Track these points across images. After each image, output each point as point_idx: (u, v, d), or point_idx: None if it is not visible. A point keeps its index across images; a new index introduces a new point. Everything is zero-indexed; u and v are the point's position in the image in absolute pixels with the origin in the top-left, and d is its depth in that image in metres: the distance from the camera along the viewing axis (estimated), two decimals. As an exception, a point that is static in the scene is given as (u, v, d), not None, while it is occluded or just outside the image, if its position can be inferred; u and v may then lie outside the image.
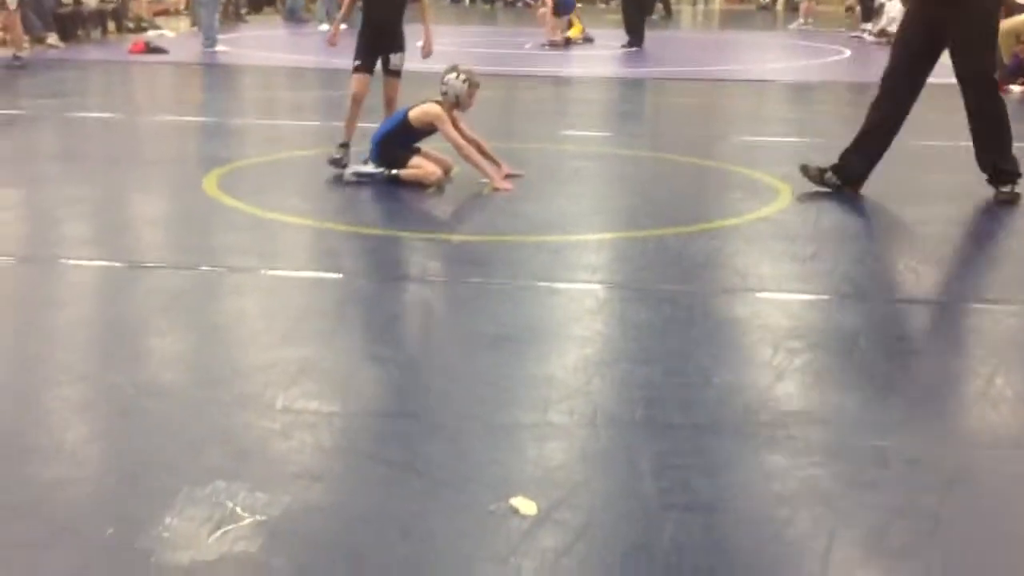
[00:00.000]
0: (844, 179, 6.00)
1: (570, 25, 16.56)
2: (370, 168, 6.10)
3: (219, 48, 14.12)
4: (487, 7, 28.73)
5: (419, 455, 2.81)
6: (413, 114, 6.10)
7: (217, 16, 15.03)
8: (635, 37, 15.81)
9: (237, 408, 3.10)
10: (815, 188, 6.10)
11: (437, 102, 6.11)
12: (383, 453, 2.83)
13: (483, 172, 6.04)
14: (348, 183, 6.08)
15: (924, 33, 5.86)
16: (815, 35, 19.01)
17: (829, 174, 6.02)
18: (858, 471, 2.78)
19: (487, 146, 6.30)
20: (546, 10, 16.34)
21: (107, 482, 2.69)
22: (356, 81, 6.55)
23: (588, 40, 16.50)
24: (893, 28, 17.02)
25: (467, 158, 6.06)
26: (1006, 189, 5.85)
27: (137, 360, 3.50)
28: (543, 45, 15.82)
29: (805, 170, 6.10)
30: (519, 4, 27.01)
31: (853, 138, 6.04)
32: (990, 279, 4.81)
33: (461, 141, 6.06)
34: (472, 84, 6.14)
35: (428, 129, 6.12)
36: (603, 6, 26.10)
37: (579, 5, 17.17)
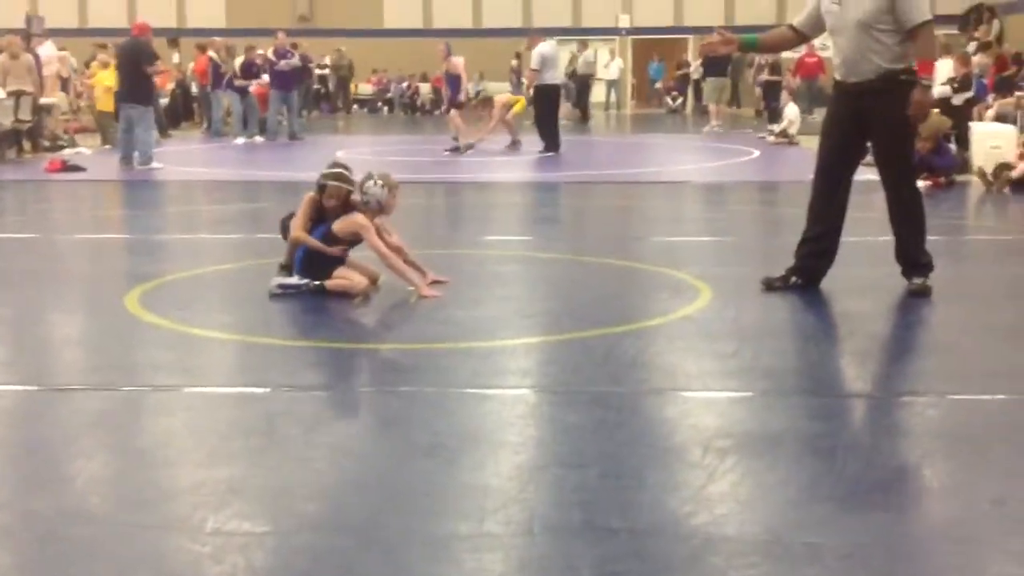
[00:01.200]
0: (808, 280, 6.13)
1: (508, 107, 16.87)
2: (295, 280, 6.08)
3: (154, 165, 14.04)
4: (404, 115, 29.15)
5: (356, 571, 2.77)
6: (337, 225, 6.12)
7: (154, 132, 15.03)
8: (550, 142, 16.13)
9: (165, 532, 3.02)
10: (733, 286, 6.23)
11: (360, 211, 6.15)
12: (319, 571, 2.78)
13: (408, 281, 6.07)
14: (274, 295, 6.05)
15: (847, 126, 6.06)
16: (724, 137, 19.59)
17: (793, 278, 6.13)
18: (794, 569, 2.79)
19: (410, 253, 6.34)
20: (455, 112, 16.64)
21: (32, 616, 2.60)
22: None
23: (516, 144, 16.74)
24: (792, 129, 17.72)
25: (391, 267, 6.09)
26: (919, 280, 6.03)
27: (59, 485, 3.41)
28: (454, 149, 16.04)
29: (768, 284, 6.17)
30: (438, 112, 27.45)
31: (805, 238, 6.17)
32: (910, 371, 4.93)
33: (385, 250, 6.09)
34: (391, 187, 6.22)
35: (353, 239, 6.15)
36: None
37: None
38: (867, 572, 2.77)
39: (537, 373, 4.75)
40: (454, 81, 17.06)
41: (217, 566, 2.80)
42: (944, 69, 15.37)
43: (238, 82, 19.44)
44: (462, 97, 17.03)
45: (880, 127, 5.97)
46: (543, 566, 2.82)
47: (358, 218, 6.11)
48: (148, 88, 14.32)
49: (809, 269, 6.16)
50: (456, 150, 16.14)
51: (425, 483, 3.37)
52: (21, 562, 2.89)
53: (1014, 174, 11.30)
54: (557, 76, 16.95)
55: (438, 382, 4.50)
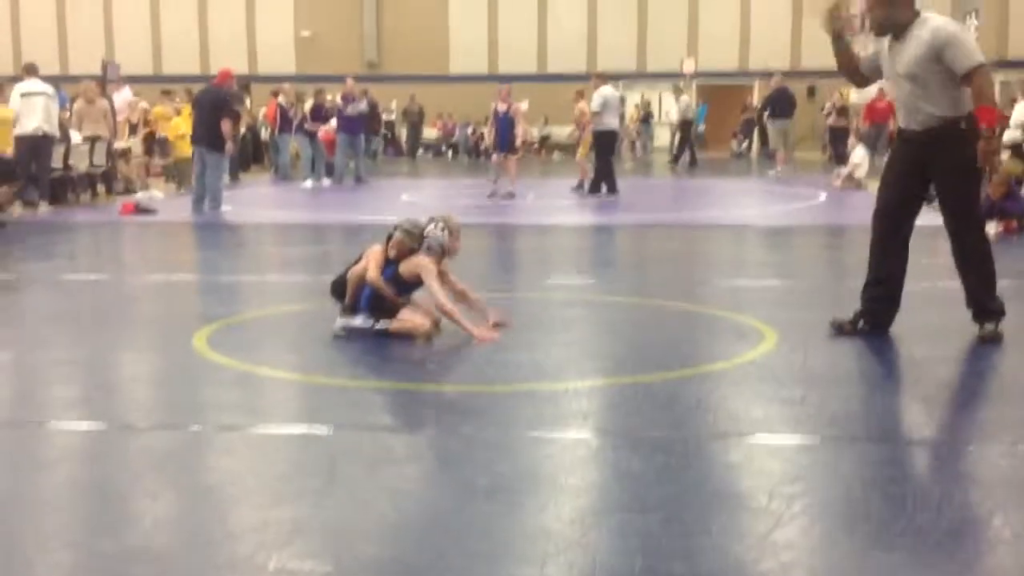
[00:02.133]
0: (874, 324, 6.06)
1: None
2: (359, 322, 6.14)
3: (224, 208, 14.32)
4: (468, 159, 29.41)
5: (416, 614, 2.76)
6: (403, 267, 6.18)
7: (225, 177, 15.31)
8: (608, 183, 16.16)
9: (230, 571, 3.05)
10: (799, 331, 6.17)
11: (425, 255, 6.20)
12: (379, 613, 2.78)
13: (463, 328, 6.06)
14: (337, 336, 6.11)
15: (907, 172, 6.00)
16: (791, 180, 19.46)
17: (861, 322, 6.08)
18: (862, 618, 2.74)
19: (473, 295, 6.37)
20: (512, 158, 16.41)
21: (98, 652, 2.62)
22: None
23: (510, 195, 16.01)
24: (859, 173, 17.56)
25: (448, 315, 6.10)
26: (990, 326, 5.92)
27: (126, 524, 3.46)
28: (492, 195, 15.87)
29: (837, 326, 6.12)
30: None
31: (868, 283, 6.12)
32: (980, 419, 4.82)
33: (443, 300, 6.09)
34: (452, 231, 6.26)
35: (416, 282, 6.20)
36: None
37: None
38: (937, 624, 2.70)
39: (599, 417, 4.73)
40: (509, 124, 16.42)
41: (279, 606, 2.82)
42: (1019, 111, 15.18)
43: (307, 126, 19.80)
44: (519, 143, 16.96)
45: (941, 176, 5.91)
46: (604, 612, 2.79)
47: (422, 260, 6.16)
48: (224, 136, 14.62)
49: (875, 313, 6.09)
50: (494, 195, 16.00)
51: (486, 525, 3.37)
52: (88, 598, 2.93)
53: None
54: (615, 122, 16.97)
55: (499, 424, 4.50)
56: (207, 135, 14.38)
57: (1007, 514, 3.50)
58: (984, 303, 5.98)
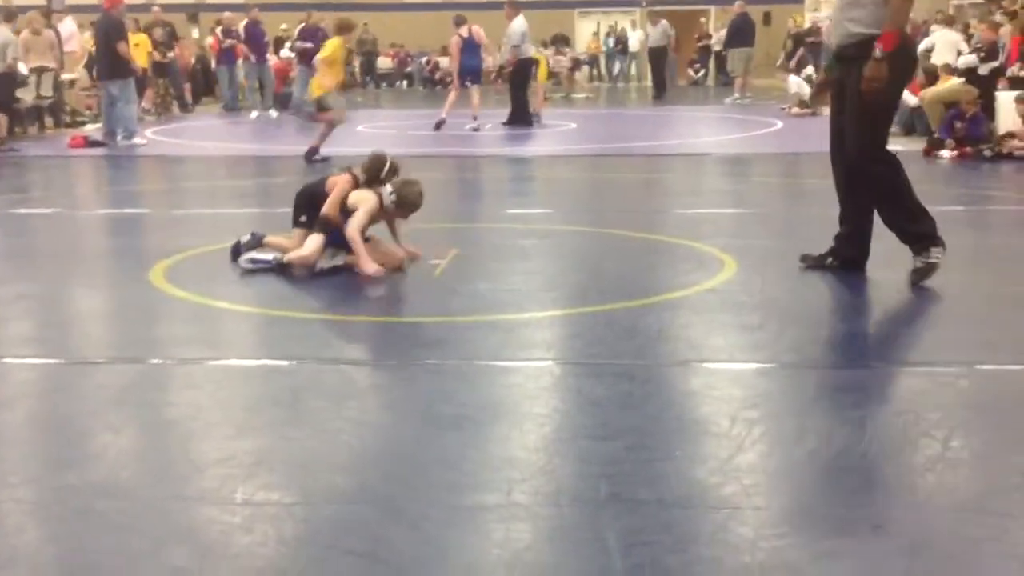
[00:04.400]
0: (843, 261, 5.87)
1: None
2: (268, 255, 6.07)
3: (137, 140, 13.98)
4: (423, 89, 29.10)
5: (383, 543, 2.78)
6: (351, 199, 6.10)
7: (135, 107, 14.83)
8: (523, 116, 16.04)
9: (196, 504, 3.04)
10: (758, 259, 6.20)
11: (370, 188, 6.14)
12: (346, 543, 2.79)
13: (357, 261, 5.95)
14: (246, 271, 6.07)
15: (839, 95, 5.76)
16: (747, 108, 19.46)
17: (830, 260, 5.91)
18: (824, 540, 2.79)
19: (405, 250, 6.25)
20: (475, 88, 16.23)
21: (65, 586, 2.62)
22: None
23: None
24: (805, 95, 17.62)
25: (351, 242, 5.96)
26: (919, 263, 5.61)
27: (89, 459, 3.43)
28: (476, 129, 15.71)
29: (805, 259, 5.98)
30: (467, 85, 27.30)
31: (839, 221, 5.93)
32: (938, 341, 4.89)
33: (354, 229, 5.95)
34: (402, 203, 6.12)
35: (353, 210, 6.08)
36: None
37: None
38: (897, 543, 2.76)
39: (562, 346, 4.74)
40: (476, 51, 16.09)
41: (248, 536, 2.82)
42: (948, 40, 15.21)
43: (245, 51, 19.11)
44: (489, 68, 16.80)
45: (848, 96, 5.59)
46: (570, 537, 2.82)
47: (365, 193, 6.08)
48: (123, 61, 14.04)
49: (841, 250, 5.90)
50: (477, 129, 15.80)
51: (451, 455, 3.38)
52: (53, 536, 2.91)
53: (1016, 143, 11.28)
54: (530, 50, 16.89)
55: (463, 355, 4.50)
56: (105, 65, 13.97)
57: (966, 436, 3.56)
58: (896, 230, 5.73)
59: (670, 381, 4.21)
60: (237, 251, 6.22)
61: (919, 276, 5.60)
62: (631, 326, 4.90)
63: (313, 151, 11.74)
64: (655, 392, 4.03)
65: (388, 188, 6.10)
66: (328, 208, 6.06)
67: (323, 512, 3.00)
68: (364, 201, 6.06)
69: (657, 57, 24.07)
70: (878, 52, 5.35)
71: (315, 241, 6.01)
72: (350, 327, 5.17)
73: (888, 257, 6.13)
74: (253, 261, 6.08)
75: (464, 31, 15.72)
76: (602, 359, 4.42)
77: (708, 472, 3.22)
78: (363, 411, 3.88)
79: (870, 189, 5.70)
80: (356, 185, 6.18)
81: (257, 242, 6.21)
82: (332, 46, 11.63)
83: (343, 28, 11.96)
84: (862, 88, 5.42)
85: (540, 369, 4.31)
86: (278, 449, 3.47)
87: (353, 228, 5.96)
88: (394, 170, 6.20)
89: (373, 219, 6.08)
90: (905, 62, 5.60)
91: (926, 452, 3.42)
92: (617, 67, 31.55)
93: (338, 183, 6.18)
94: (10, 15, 14.47)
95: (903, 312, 5.32)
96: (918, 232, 5.65)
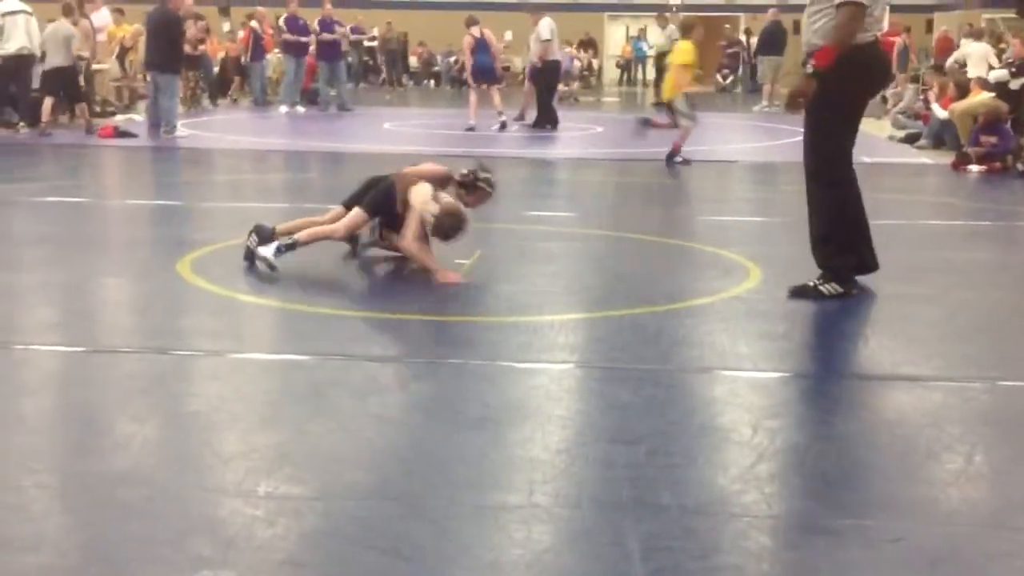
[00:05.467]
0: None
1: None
2: (270, 253, 5.91)
3: (179, 133, 14.13)
4: (450, 89, 29.13)
5: (405, 539, 2.79)
6: (412, 192, 5.98)
7: (177, 101, 15.01)
8: (549, 118, 15.99)
9: (219, 495, 3.07)
10: (783, 267, 6.19)
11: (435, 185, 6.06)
12: (369, 538, 2.81)
13: (428, 269, 5.85)
14: (268, 266, 5.92)
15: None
16: (775, 116, 19.40)
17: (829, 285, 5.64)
18: (843, 551, 2.78)
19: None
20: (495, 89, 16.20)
21: (91, 573, 2.64)
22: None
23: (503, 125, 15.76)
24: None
25: (412, 256, 5.92)
26: (811, 282, 5.52)
27: (113, 448, 3.46)
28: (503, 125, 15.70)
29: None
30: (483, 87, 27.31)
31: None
32: (962, 355, 4.86)
33: (410, 239, 5.87)
34: (445, 216, 5.89)
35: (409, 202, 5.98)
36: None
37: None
38: (917, 556, 2.75)
39: (586, 349, 4.75)
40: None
41: (270, 529, 2.84)
42: (979, 53, 15.13)
43: (286, 37, 19.09)
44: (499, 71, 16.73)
45: (808, 108, 5.48)
46: (591, 540, 2.83)
47: (424, 188, 5.96)
48: (176, 56, 14.31)
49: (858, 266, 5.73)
50: (504, 126, 15.83)
51: (474, 454, 3.39)
52: (78, 524, 2.94)
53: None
54: (557, 52, 16.76)
55: (487, 355, 4.51)
56: (157, 57, 14.12)
57: (989, 451, 3.55)
58: (814, 252, 5.63)
59: (693, 387, 4.21)
60: (252, 256, 6.02)
61: (798, 292, 5.51)
62: (655, 331, 4.90)
63: (674, 152, 12.00)
64: (678, 398, 4.03)
65: (436, 207, 5.86)
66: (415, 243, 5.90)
67: (345, 507, 3.02)
68: (419, 194, 5.89)
69: (662, 64, 22.95)
70: (809, 67, 5.28)
71: (354, 218, 6.00)
72: (374, 324, 5.19)
73: (911, 269, 6.13)
74: (278, 250, 5.95)
75: (476, 31, 15.80)
76: (626, 363, 4.43)
77: (730, 480, 3.22)
78: (386, 408, 3.90)
79: (813, 202, 5.63)
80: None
81: (268, 235, 5.96)
82: (686, 50, 11.69)
83: (688, 29, 12.15)
84: (786, 104, 5.44)
85: (563, 371, 4.32)
86: (301, 443, 3.49)
87: (410, 241, 5.84)
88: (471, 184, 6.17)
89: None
90: (862, 76, 5.42)
91: (948, 466, 3.40)
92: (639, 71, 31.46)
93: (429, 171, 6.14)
94: (68, 9, 14.66)
95: (927, 326, 5.30)
96: (832, 263, 5.57)
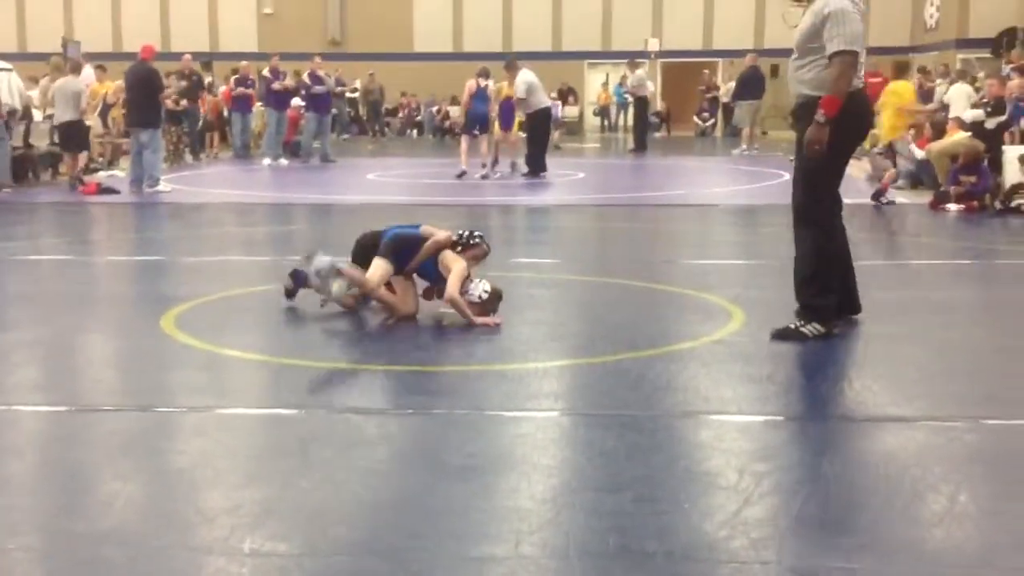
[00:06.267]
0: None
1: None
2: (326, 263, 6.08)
3: (161, 188, 14.12)
4: (432, 138, 29.28)
5: (392, 594, 2.77)
6: (442, 259, 6.23)
7: (161, 155, 15.04)
8: (539, 166, 16.06)
9: (203, 554, 3.05)
10: (766, 310, 6.22)
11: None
12: (355, 594, 2.79)
13: (468, 318, 5.98)
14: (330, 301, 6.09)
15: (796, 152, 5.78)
16: (755, 159, 19.56)
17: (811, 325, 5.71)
18: (832, 594, 2.78)
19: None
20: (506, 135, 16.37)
21: (73, 635, 2.62)
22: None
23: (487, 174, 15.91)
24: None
25: (456, 307, 6.01)
26: (792, 324, 5.61)
27: (96, 507, 3.44)
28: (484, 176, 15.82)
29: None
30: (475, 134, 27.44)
31: None
32: (945, 395, 4.88)
33: (455, 291, 6.02)
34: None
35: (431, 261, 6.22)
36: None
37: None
38: (906, 599, 2.75)
39: (570, 396, 4.75)
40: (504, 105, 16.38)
41: (255, 587, 2.82)
42: (961, 95, 15.31)
43: (275, 86, 19.19)
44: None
45: (797, 154, 5.68)
46: (579, 590, 2.82)
47: (460, 260, 6.19)
48: (156, 110, 14.45)
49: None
50: (487, 176, 15.90)
51: (459, 505, 3.38)
52: (61, 582, 2.92)
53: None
54: (545, 100, 16.87)
55: (471, 404, 4.51)
56: (137, 113, 14.24)
57: (974, 490, 3.55)
58: (797, 292, 5.71)
59: (678, 432, 4.21)
60: (294, 292, 6.33)
61: (780, 335, 5.58)
62: (639, 376, 4.91)
63: (880, 192, 12.15)
64: (663, 443, 4.03)
65: (488, 284, 6.17)
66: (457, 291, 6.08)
67: (330, 563, 3.00)
68: (456, 263, 6.15)
69: (637, 108, 23.17)
70: (820, 117, 5.37)
71: (379, 269, 6.11)
72: (359, 376, 5.18)
73: (895, 309, 6.16)
74: (331, 265, 6.04)
75: (481, 81, 16.02)
76: (610, 410, 4.43)
77: (716, 525, 3.22)
78: (371, 460, 3.88)
79: (799, 242, 5.71)
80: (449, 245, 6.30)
81: (330, 270, 6.07)
82: (905, 89, 11.62)
83: (904, 70, 12.33)
84: (805, 151, 5.48)
85: (549, 419, 4.32)
86: (286, 498, 3.47)
87: (456, 295, 6.00)
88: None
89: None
90: (853, 124, 5.55)
91: (933, 507, 3.41)
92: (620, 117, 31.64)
93: (438, 237, 6.28)
94: (76, 66, 14.98)
95: (910, 365, 5.32)
96: (813, 303, 5.64)
